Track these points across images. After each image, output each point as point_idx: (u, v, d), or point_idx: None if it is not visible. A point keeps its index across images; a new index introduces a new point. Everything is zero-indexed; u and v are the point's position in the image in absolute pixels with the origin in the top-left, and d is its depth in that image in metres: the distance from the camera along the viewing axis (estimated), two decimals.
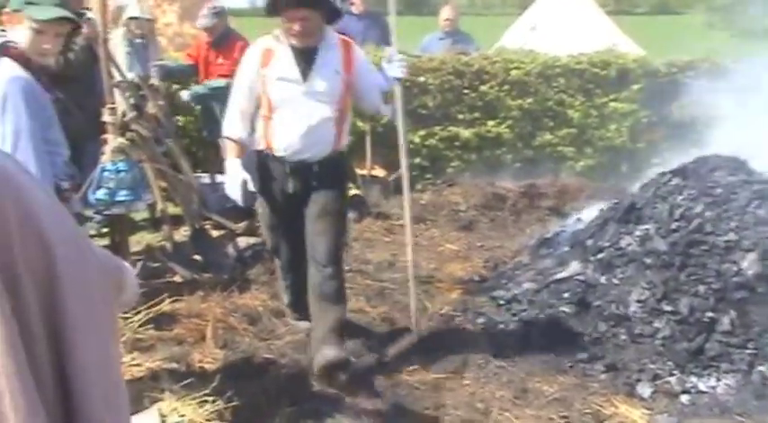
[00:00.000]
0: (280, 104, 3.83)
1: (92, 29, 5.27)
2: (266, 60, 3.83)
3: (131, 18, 6.47)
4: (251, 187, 3.89)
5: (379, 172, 7.16)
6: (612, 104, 7.80)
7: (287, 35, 3.77)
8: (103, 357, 1.20)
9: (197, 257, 5.18)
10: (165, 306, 4.22)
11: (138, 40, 6.53)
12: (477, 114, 7.70)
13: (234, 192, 3.89)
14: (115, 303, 1.37)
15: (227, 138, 4.00)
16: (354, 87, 3.94)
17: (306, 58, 3.80)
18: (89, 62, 5.16)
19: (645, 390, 3.74)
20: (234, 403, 3.33)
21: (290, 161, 3.89)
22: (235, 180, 3.87)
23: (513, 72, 7.71)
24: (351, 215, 6.55)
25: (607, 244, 4.56)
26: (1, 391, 1.09)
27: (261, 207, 4.14)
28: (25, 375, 1.09)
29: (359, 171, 6.94)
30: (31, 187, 1.13)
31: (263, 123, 3.91)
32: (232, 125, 3.96)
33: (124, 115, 4.88)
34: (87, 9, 5.20)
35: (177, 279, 4.89)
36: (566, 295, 4.39)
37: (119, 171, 4.18)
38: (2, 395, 1.09)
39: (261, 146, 3.96)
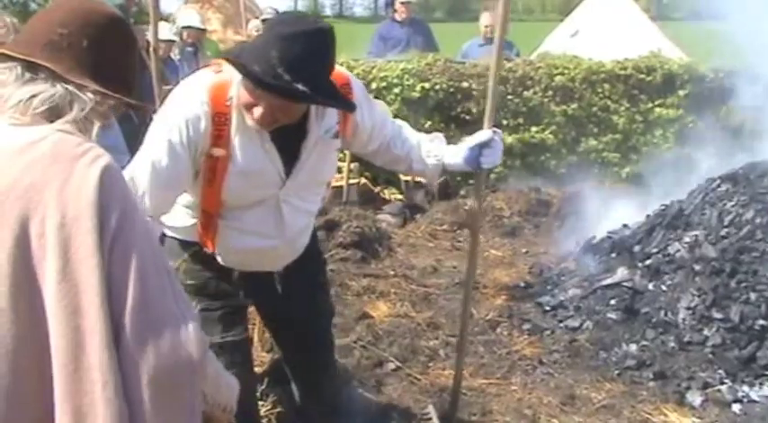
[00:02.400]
0: (235, 204, 2.41)
1: (142, 37, 5.39)
2: (219, 132, 2.26)
3: (185, 27, 6.60)
4: None
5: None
6: (658, 110, 7.73)
7: (243, 109, 2.23)
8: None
9: None
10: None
11: (188, 48, 6.67)
12: (520, 120, 7.68)
13: None
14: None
15: None
16: (363, 142, 2.66)
17: (290, 132, 2.33)
18: (140, 69, 5.28)
19: (695, 398, 3.69)
20: (279, 409, 3.36)
21: (241, 271, 2.58)
22: None
23: (558, 78, 7.68)
24: (394, 220, 6.60)
25: (655, 250, 4.51)
26: (94, 381, 1.19)
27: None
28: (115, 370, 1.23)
29: (403, 177, 6.96)
30: None
31: (202, 216, 2.45)
32: (155, 207, 2.29)
33: None
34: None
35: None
36: (613, 302, 4.36)
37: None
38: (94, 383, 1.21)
39: (192, 238, 2.52)
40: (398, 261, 5.58)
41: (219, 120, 2.25)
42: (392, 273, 5.29)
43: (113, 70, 1.50)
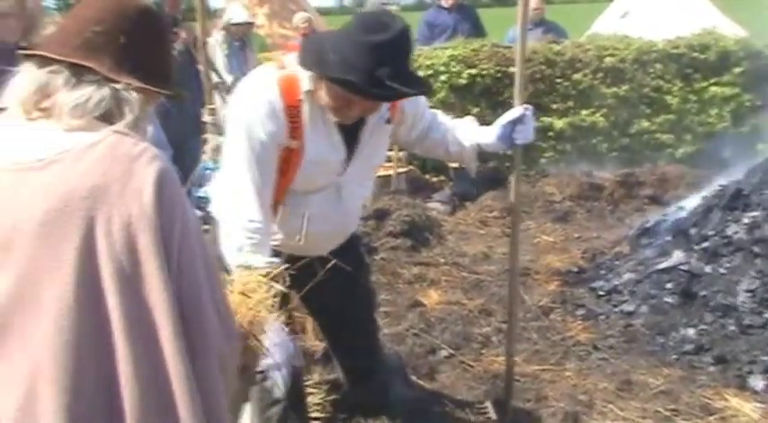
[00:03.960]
0: (300, 190, 2.49)
1: (189, 33, 5.46)
2: (293, 124, 2.35)
3: (234, 24, 6.66)
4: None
5: None
6: (713, 89, 7.52)
7: (326, 107, 2.32)
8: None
9: None
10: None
11: (236, 43, 6.72)
12: (570, 103, 7.56)
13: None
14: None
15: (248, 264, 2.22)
16: (407, 129, 2.72)
17: (352, 126, 2.45)
18: (187, 65, 5.35)
19: (757, 382, 3.59)
20: (334, 396, 3.37)
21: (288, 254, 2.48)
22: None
23: (607, 59, 7.53)
24: (444, 208, 6.57)
25: (712, 232, 4.40)
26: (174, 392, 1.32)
27: None
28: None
29: (451, 165, 6.92)
30: None
31: None
32: (258, 244, 2.32)
33: (223, 116, 5.02)
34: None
35: None
36: (669, 285, 4.27)
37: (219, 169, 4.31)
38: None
39: None
40: (449, 249, 5.56)
41: (292, 113, 2.33)
42: (443, 260, 5.27)
43: (152, 64, 1.50)
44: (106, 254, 1.31)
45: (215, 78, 5.09)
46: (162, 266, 1.32)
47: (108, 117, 1.41)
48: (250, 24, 7.06)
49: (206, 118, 4.42)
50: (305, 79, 2.31)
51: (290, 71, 2.34)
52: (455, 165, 6.94)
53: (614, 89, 7.53)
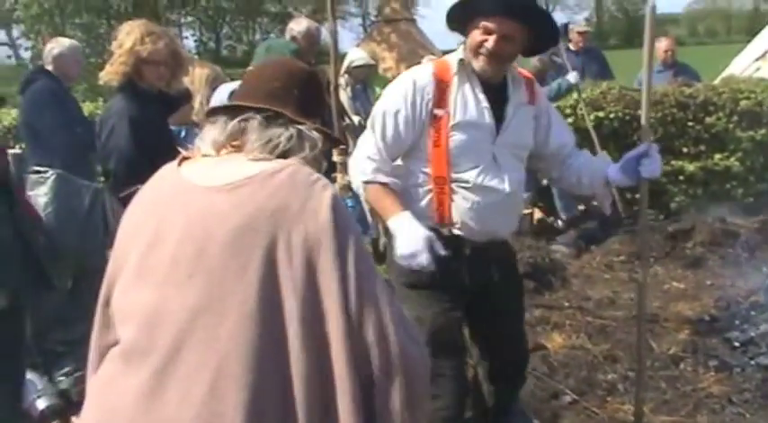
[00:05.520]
0: (461, 161, 2.77)
1: (323, 76, 5.68)
2: (442, 95, 2.75)
3: (357, 67, 6.89)
4: (439, 248, 2.65)
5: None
6: None
7: (472, 55, 2.74)
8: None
9: None
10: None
11: (358, 86, 6.95)
12: (702, 147, 7.32)
13: (417, 255, 2.63)
14: None
15: (375, 182, 2.80)
16: (542, 138, 2.99)
17: (497, 95, 2.82)
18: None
19: None
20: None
21: (472, 240, 2.86)
22: (416, 239, 2.63)
23: (743, 102, 7.26)
24: (568, 250, 6.48)
25: None
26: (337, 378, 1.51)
27: (407, 295, 2.87)
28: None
29: (579, 207, 6.84)
30: None
31: (431, 189, 2.82)
32: (379, 166, 2.80)
33: (349, 155, 5.19)
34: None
35: None
36: None
37: (347, 207, 4.45)
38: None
39: (429, 218, 2.82)
40: (573, 292, 5.47)
41: (442, 86, 2.77)
42: (567, 304, 5.20)
43: (319, 112, 1.80)
44: (286, 265, 1.50)
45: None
46: (334, 277, 1.50)
47: (290, 153, 1.66)
48: (371, 66, 7.27)
49: (336, 158, 4.59)
50: (456, 57, 2.80)
51: (443, 58, 2.92)
52: (582, 207, 6.86)
53: (750, 133, 7.24)
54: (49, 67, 5.29)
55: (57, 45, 5.40)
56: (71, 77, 5.49)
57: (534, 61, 6.34)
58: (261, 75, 1.82)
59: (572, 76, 6.68)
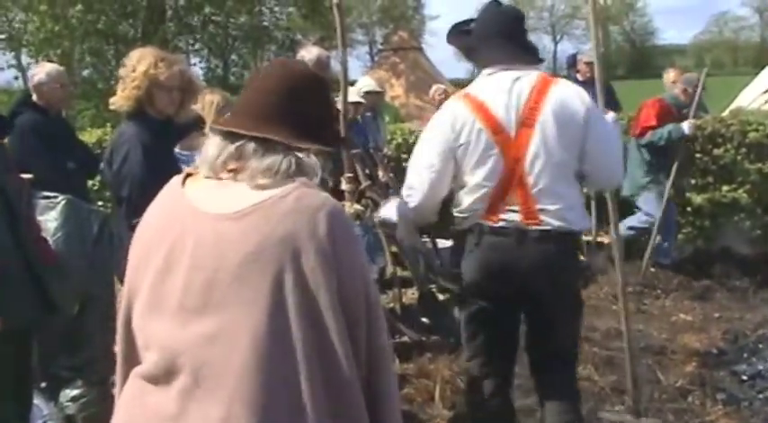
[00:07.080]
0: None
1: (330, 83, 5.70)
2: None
3: (366, 93, 6.91)
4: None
5: (606, 238, 7.00)
6: None
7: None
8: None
9: (425, 320, 5.33)
10: (395, 366, 4.37)
11: (367, 114, 6.97)
12: (710, 179, 7.34)
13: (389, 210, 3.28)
14: None
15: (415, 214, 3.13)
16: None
17: None
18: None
19: None
20: None
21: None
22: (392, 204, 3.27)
23: (751, 134, 7.29)
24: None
25: None
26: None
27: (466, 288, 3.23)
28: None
29: (584, 237, 6.82)
30: None
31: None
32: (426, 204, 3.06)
33: (360, 183, 5.20)
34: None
35: (406, 340, 5.05)
36: None
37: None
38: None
39: (474, 220, 3.00)
40: None
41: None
42: None
43: (322, 126, 1.74)
44: (295, 291, 1.54)
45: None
46: (333, 298, 1.57)
47: (297, 175, 1.64)
48: (380, 94, 7.30)
49: (344, 186, 4.60)
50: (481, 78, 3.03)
51: (467, 90, 3.02)
52: (588, 238, 6.85)
53: (758, 165, 7.26)
54: (34, 97, 5.14)
55: (38, 71, 5.25)
56: (54, 105, 5.26)
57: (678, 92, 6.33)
58: (260, 86, 1.74)
59: (686, 127, 6.38)
